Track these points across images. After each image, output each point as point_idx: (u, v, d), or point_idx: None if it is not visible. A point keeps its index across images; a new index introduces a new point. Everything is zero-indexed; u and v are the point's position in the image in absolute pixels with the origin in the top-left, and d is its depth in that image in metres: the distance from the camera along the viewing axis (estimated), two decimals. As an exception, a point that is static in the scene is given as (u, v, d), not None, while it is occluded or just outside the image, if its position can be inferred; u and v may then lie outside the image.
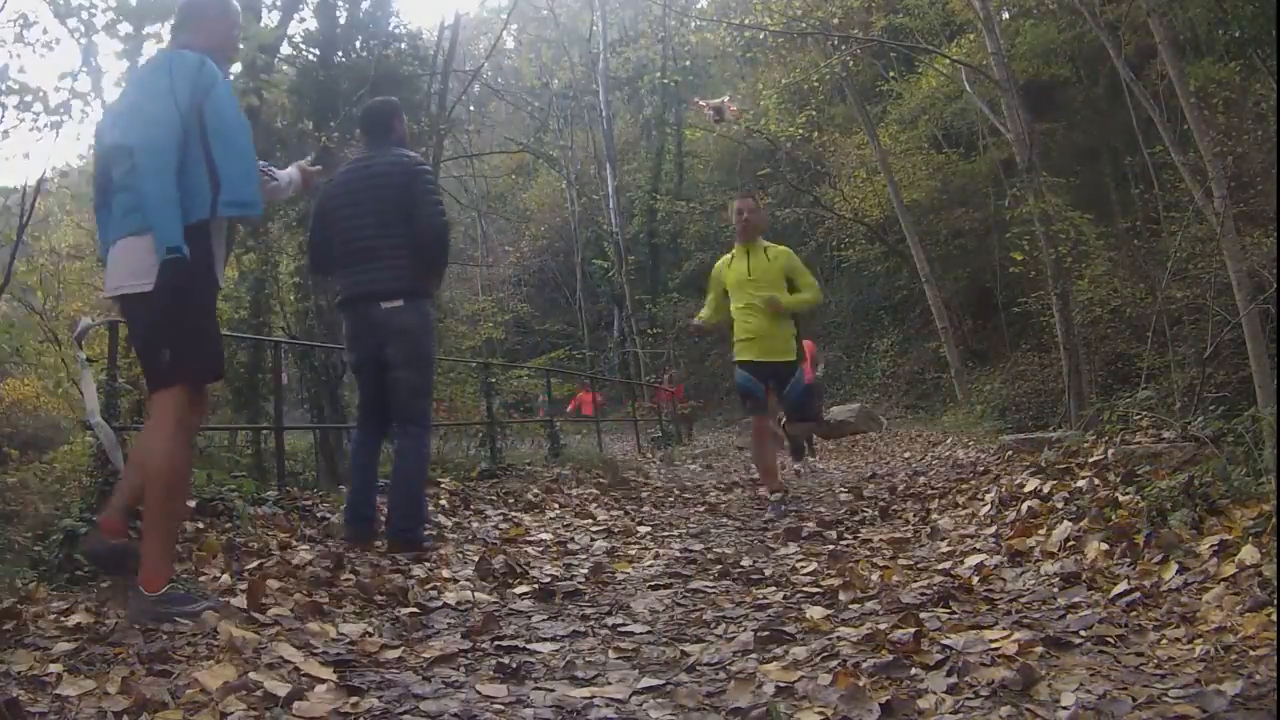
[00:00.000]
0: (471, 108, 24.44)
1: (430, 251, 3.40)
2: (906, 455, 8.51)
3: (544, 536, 3.92)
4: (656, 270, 25.62)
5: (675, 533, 4.20)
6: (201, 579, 2.74)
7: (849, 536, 3.74)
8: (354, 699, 1.84)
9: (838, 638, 2.16)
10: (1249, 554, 2.24)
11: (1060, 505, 3.19)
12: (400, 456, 3.41)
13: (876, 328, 19.11)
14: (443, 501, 4.70)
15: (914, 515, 4.19)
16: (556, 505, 5.03)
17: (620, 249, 22.99)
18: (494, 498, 5.09)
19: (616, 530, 4.27)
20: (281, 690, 1.82)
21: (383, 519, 3.49)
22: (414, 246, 3.36)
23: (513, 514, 4.66)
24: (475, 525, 4.21)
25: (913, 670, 1.87)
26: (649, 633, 2.37)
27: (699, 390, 21.02)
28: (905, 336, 18.14)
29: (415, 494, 3.41)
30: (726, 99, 6.99)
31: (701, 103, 6.84)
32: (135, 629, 2.15)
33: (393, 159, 3.47)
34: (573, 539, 3.91)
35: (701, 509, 5.11)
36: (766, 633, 2.24)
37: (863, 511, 4.45)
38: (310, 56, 11.98)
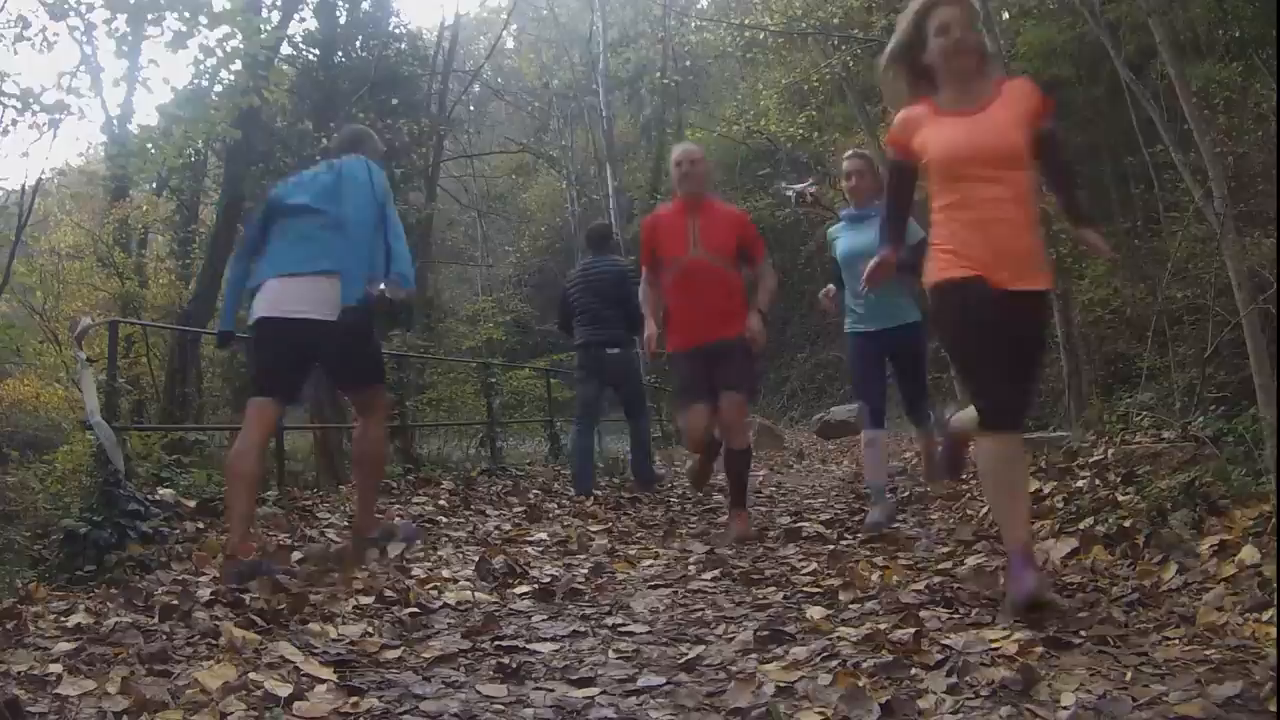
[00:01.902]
0: (471, 108, 24.46)
1: (632, 317, 5.11)
2: (907, 455, 8.51)
3: (543, 536, 3.92)
4: (657, 270, 25.61)
5: (676, 533, 4.20)
6: (202, 578, 2.74)
7: (849, 537, 3.74)
8: (354, 699, 1.84)
9: (838, 637, 2.16)
10: (1249, 554, 2.24)
11: (1060, 505, 3.19)
12: (636, 433, 5.73)
13: (878, 328, 19.15)
14: (442, 501, 4.70)
15: (914, 514, 4.18)
16: (556, 505, 5.04)
17: (621, 249, 23.02)
18: (494, 497, 5.09)
19: (616, 530, 4.27)
20: (282, 690, 1.82)
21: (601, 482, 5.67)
22: (624, 315, 5.34)
23: (513, 514, 4.66)
24: (475, 525, 4.21)
25: (913, 670, 1.87)
26: (649, 633, 2.37)
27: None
28: (906, 336, 18.18)
29: (647, 454, 5.77)
30: (810, 183, 6.88)
31: (788, 188, 6.78)
32: (135, 630, 2.16)
33: (610, 263, 5.64)
34: (572, 539, 3.91)
35: (702, 509, 5.11)
36: (766, 633, 2.24)
37: (862, 511, 4.44)
38: (310, 56, 11.98)
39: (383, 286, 3.11)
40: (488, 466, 6.33)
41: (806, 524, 4.05)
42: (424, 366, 10.97)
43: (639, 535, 4.16)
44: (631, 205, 25.81)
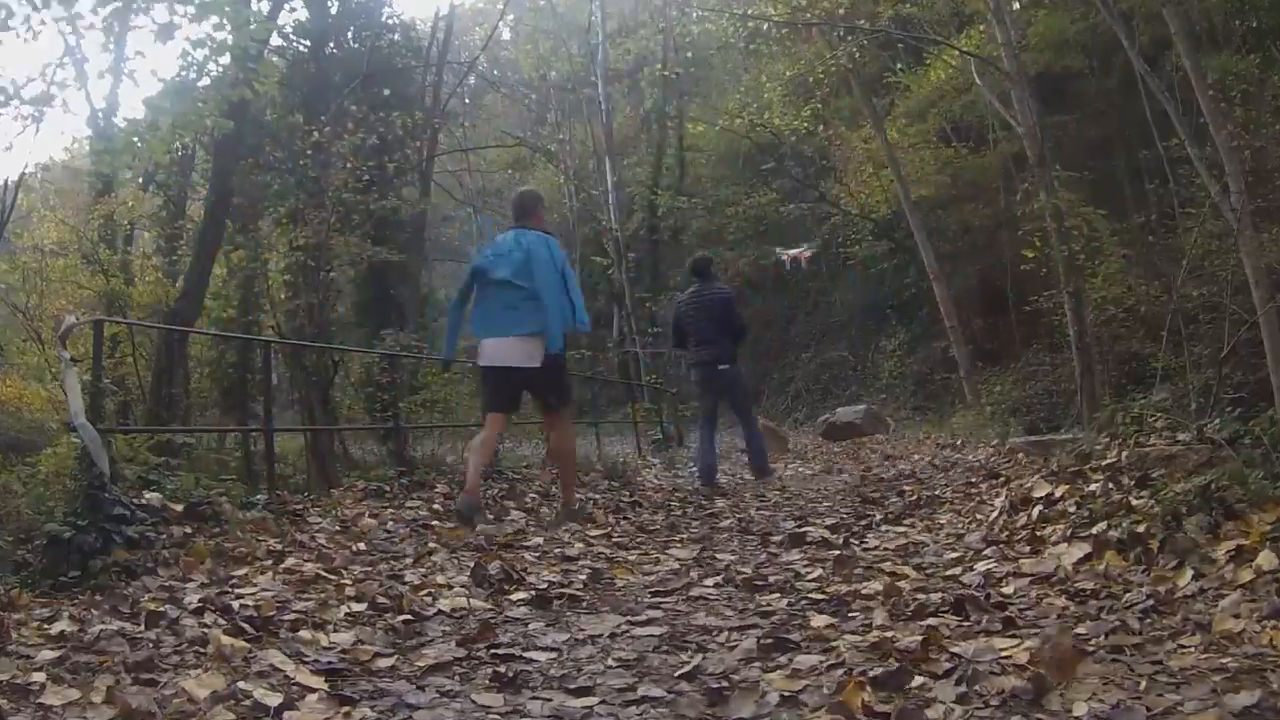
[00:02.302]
0: (467, 100, 24.47)
1: (740, 337, 6.90)
2: (915, 457, 8.52)
3: (540, 541, 3.92)
4: (657, 267, 25.60)
5: (676, 538, 4.20)
6: (189, 584, 2.74)
7: (855, 542, 3.74)
8: (346, 709, 1.84)
9: (844, 645, 2.15)
10: (1267, 560, 2.24)
11: (1072, 510, 3.19)
12: (749, 434, 6.97)
13: (884, 327, 19.08)
14: (436, 505, 4.70)
15: (921, 520, 4.19)
16: (555, 509, 5.04)
17: (620, 246, 22.98)
18: (489, 501, 5.09)
19: (616, 535, 4.28)
20: (272, 700, 1.82)
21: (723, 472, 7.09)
22: (731, 335, 6.73)
23: (509, 517, 4.66)
24: (470, 529, 4.21)
25: (921, 679, 1.87)
26: (650, 639, 2.37)
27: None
28: (913, 336, 18.11)
29: (764, 448, 7.09)
30: (804, 249, 7.81)
31: (783, 254, 7.61)
32: (121, 638, 2.15)
33: (717, 289, 6.87)
34: (570, 544, 3.91)
35: (703, 513, 5.11)
36: (770, 640, 2.24)
37: (869, 515, 4.45)
38: (301, 48, 11.98)
39: (571, 331, 4.65)
40: (484, 469, 6.35)
41: (811, 529, 4.05)
42: (417, 367, 10.97)
43: (639, 540, 4.16)
44: (631, 201, 25.82)
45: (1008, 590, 2.61)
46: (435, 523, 4.30)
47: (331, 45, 12.03)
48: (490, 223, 26.42)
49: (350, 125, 10.09)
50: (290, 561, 3.16)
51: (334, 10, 12.29)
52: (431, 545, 3.73)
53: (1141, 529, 2.69)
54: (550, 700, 1.91)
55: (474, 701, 1.91)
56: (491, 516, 4.47)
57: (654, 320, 23.46)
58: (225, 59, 6.47)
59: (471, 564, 3.28)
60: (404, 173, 13.18)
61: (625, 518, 4.90)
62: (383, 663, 2.18)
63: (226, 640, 2.14)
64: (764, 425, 11.71)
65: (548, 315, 4.39)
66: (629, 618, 2.61)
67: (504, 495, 5.30)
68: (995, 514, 3.63)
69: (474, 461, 4.51)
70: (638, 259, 24.67)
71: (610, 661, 2.19)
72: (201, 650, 2.10)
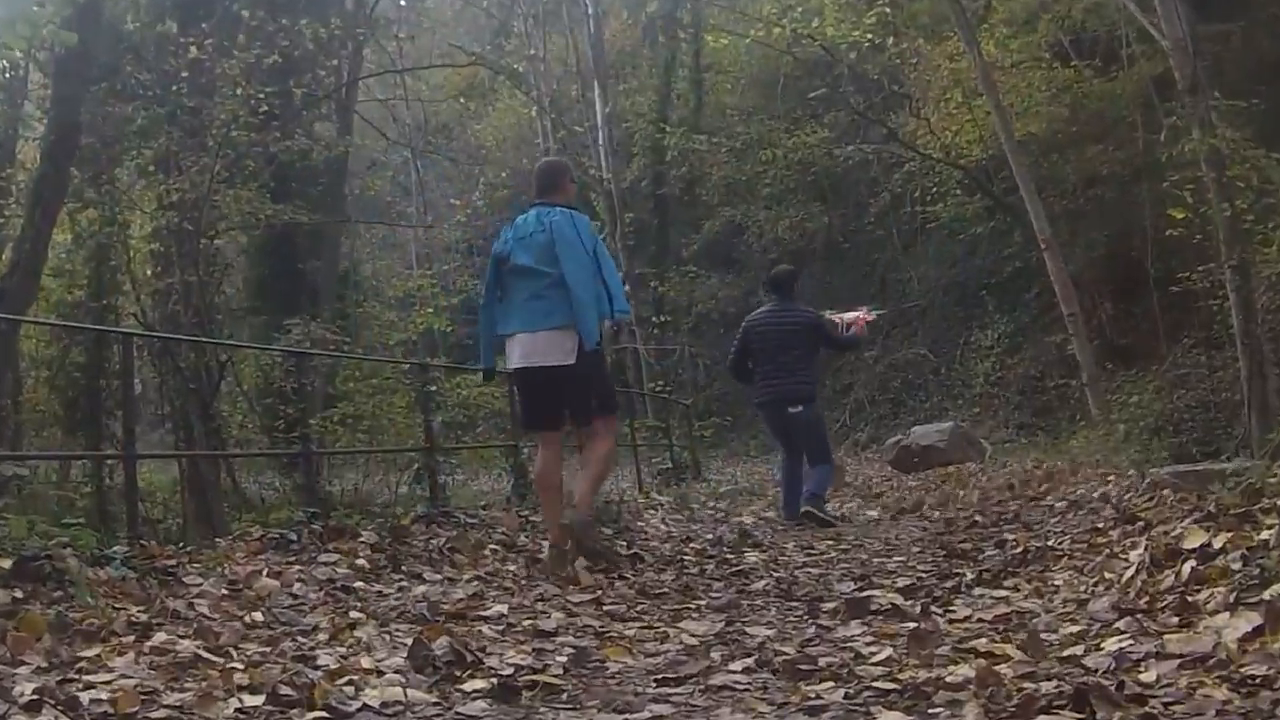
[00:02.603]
0: (402, 2, 24.52)
1: (854, 350, 11.14)
2: (1018, 494, 8.53)
3: (504, 609, 3.92)
4: (665, 232, 25.65)
5: (691, 604, 4.20)
6: (21, 668, 2.74)
7: (937, 610, 3.74)
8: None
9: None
10: None
11: (1236, 567, 3.19)
12: (816, 476, 7.57)
13: (976, 315, 19.10)
14: (360, 560, 4.71)
15: (1029, 580, 4.19)
16: (523, 564, 5.04)
17: (614, 202, 23.03)
18: (435, 554, 5.10)
19: (609, 600, 4.28)
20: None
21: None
22: (810, 368, 7.69)
23: (461, 577, 4.67)
24: (409, 594, 4.21)
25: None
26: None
27: (723, 402, 21.05)
28: (1017, 327, 18.13)
29: (823, 489, 7.69)
30: (864, 311, 7.85)
31: (836, 316, 7.82)
32: None
33: (800, 311, 7.73)
34: (546, 613, 3.91)
35: (728, 570, 5.11)
36: (821, 747, 2.24)
37: (956, 574, 4.45)
38: (174, -69, 11.99)
39: (609, 323, 5.24)
40: (426, 511, 6.37)
41: (877, 592, 4.05)
42: (335, 369, 11.00)
43: (640, 608, 4.16)
44: (629, 141, 25.86)
45: (1148, 677, 2.61)
46: (360, 584, 4.30)
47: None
48: (434, 171, 26.50)
49: (241, 38, 10.10)
50: (160, 637, 3.15)
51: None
52: (355, 615, 3.72)
53: (1332, 593, 2.68)
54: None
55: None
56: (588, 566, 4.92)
57: (660, 305, 23.51)
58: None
59: (409, 641, 3.28)
60: (316, 103, 13.21)
61: (621, 577, 4.91)
62: (287, 777, 2.18)
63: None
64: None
65: (578, 307, 4.96)
66: (626, 716, 2.61)
67: (451, 547, 5.31)
68: (1131, 572, 3.64)
69: (547, 502, 5.31)
70: (638, 221, 24.73)
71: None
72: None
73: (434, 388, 9.17)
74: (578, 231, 5.12)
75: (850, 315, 7.86)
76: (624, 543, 6.02)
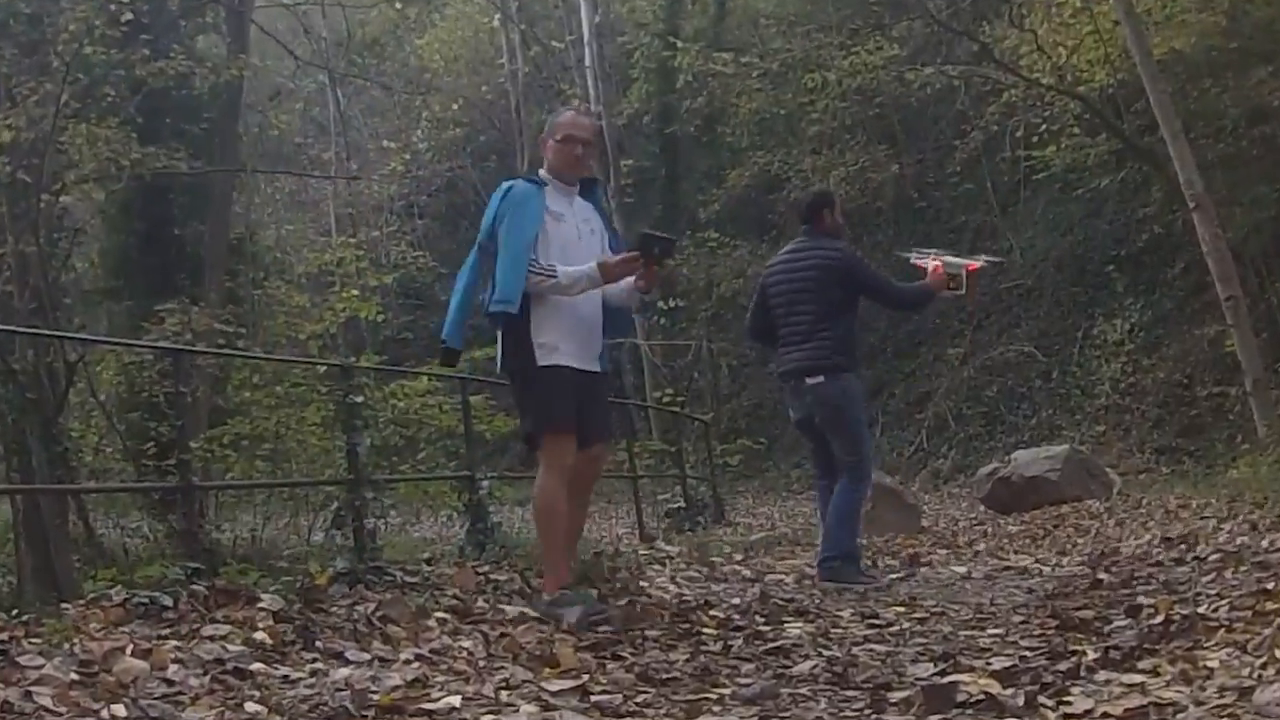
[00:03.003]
0: None
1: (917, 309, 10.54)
2: (1156, 545, 8.54)
3: (455, 701, 3.93)
4: (675, 186, 25.71)
5: (712, 693, 4.20)
6: None
7: (1047, 702, 3.74)
8: None
9: None
10: None
11: None
12: (839, 500, 7.11)
13: (1101, 299, 19.10)
14: (259, 633, 4.71)
15: (1172, 660, 4.19)
16: (481, 638, 5.05)
17: (607, 145, 23.05)
18: (361, 625, 5.10)
19: (599, 687, 4.28)
20: None
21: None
22: (839, 326, 7.11)
23: (397, 657, 4.67)
24: (325, 679, 4.22)
25: None
26: None
27: (754, 418, 21.06)
28: (1156, 315, 18.14)
29: (848, 531, 7.15)
30: (978, 258, 7.20)
31: (919, 258, 7.25)
32: None
33: (826, 247, 7.16)
34: (514, 706, 3.91)
35: (762, 647, 5.11)
36: None
37: (1074, 653, 4.45)
38: None
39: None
40: (349, 566, 6.38)
41: (965, 677, 4.05)
42: (225, 373, 11.00)
43: (642, 698, 4.17)
44: (628, 61, 25.88)
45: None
46: (258, 665, 4.30)
47: None
48: (360, 102, 26.51)
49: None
50: (-15, 739, 3.16)
51: None
52: (252, 709, 3.72)
53: None
54: None
55: None
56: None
57: (668, 284, 23.52)
58: None
59: (326, 744, 3.28)
60: (199, 10, 13.24)
61: (615, 655, 4.91)
62: None
63: None
64: (879, 485, 11.77)
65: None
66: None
67: (383, 616, 5.31)
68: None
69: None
70: (639, 171, 24.78)
71: None
72: None
73: (360, 398, 9.13)
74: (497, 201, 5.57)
75: (957, 259, 7.03)
76: (619, 608, 6.04)
